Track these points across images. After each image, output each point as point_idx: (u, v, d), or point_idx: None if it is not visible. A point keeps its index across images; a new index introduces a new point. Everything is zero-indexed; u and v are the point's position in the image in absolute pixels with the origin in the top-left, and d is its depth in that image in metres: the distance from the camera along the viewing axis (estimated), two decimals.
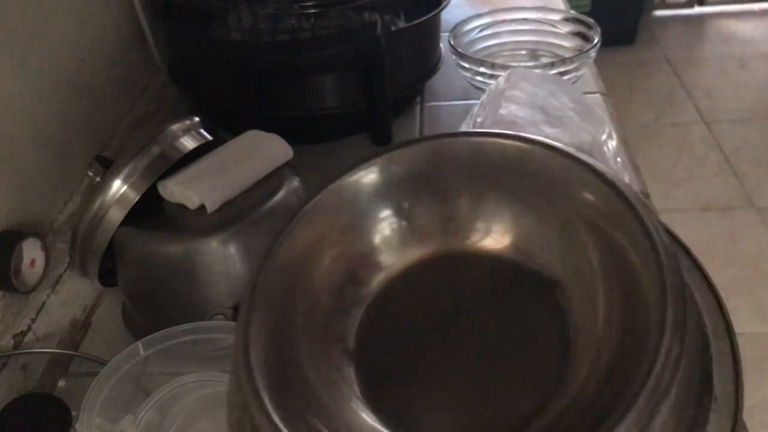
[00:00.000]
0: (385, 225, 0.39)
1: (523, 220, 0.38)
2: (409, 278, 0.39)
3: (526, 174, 0.37)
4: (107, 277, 0.63)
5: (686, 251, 0.37)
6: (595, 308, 0.34)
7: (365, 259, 0.39)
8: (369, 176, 0.39)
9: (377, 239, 0.39)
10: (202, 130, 0.62)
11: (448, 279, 0.39)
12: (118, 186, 0.56)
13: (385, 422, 0.34)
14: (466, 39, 0.95)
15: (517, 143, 0.37)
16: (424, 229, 0.39)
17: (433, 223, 0.39)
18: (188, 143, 0.60)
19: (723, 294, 0.37)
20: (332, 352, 0.37)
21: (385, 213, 0.39)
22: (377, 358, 0.37)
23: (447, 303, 0.38)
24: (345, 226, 0.39)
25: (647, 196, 0.74)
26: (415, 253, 0.39)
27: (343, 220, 0.39)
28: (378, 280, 0.39)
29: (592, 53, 0.86)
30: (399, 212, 0.39)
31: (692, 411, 0.30)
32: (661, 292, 0.29)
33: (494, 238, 0.38)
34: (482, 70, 0.85)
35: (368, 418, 0.35)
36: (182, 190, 0.58)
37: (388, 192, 0.39)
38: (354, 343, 0.38)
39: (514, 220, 0.38)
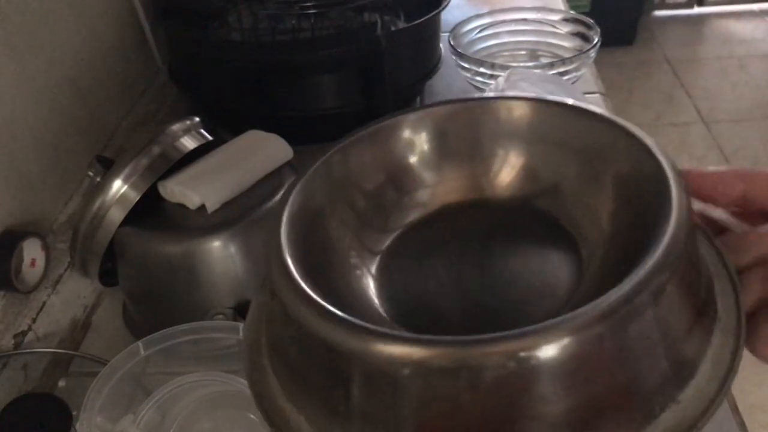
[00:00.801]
0: (422, 147, 0.42)
1: (548, 171, 0.40)
2: (441, 216, 0.41)
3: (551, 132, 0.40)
4: (107, 277, 0.63)
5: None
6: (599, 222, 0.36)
7: (404, 170, 0.41)
8: (412, 116, 0.42)
9: (415, 158, 0.42)
10: (202, 130, 0.62)
11: (474, 220, 0.41)
12: (118, 186, 0.56)
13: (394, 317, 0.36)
14: (466, 39, 0.95)
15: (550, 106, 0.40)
16: (455, 150, 0.42)
17: (466, 155, 0.42)
18: (188, 143, 0.60)
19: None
20: (360, 250, 0.39)
21: (423, 139, 0.42)
22: (401, 270, 0.39)
23: (472, 239, 0.41)
24: (387, 149, 0.41)
25: None
26: (449, 187, 0.42)
27: (385, 144, 0.41)
28: (416, 202, 0.41)
29: (592, 53, 0.86)
30: (437, 140, 0.42)
31: (698, 307, 0.31)
32: (667, 200, 0.31)
33: (518, 183, 0.41)
34: (482, 70, 0.85)
35: (383, 312, 0.36)
36: (182, 190, 0.58)
37: (426, 127, 0.42)
38: (384, 250, 0.40)
39: (539, 170, 0.40)
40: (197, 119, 0.63)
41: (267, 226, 0.58)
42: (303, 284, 0.32)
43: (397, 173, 0.41)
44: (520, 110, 0.40)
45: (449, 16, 0.96)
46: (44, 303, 0.62)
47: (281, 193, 0.59)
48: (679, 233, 0.29)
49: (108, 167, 0.58)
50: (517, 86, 0.71)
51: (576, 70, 0.85)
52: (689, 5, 2.92)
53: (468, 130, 0.41)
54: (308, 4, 0.80)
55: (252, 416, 0.53)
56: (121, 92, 0.84)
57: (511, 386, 0.27)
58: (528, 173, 0.40)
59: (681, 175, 0.33)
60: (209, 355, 0.55)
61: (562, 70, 0.83)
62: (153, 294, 0.61)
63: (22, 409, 0.51)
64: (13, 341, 0.58)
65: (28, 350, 0.59)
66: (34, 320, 0.61)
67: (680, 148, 2.18)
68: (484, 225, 0.41)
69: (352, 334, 0.29)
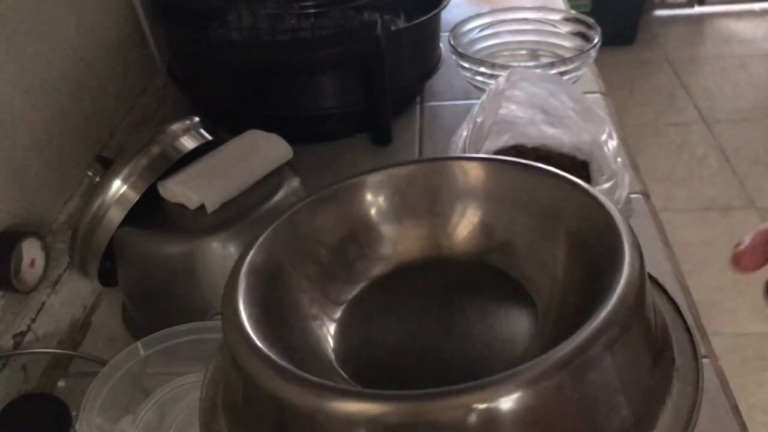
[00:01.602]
0: (382, 203, 0.43)
1: (502, 227, 0.41)
2: (402, 271, 0.42)
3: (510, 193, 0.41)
4: (107, 277, 0.63)
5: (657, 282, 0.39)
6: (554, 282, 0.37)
7: (366, 227, 0.43)
8: (373, 177, 0.43)
9: (376, 213, 0.43)
10: (202, 130, 0.62)
11: (433, 275, 0.42)
12: (117, 186, 0.56)
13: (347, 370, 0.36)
14: (466, 39, 0.95)
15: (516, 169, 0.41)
16: (414, 209, 0.43)
17: (425, 213, 0.43)
18: (188, 143, 0.60)
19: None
20: (323, 303, 0.40)
21: (382, 198, 0.43)
22: (361, 324, 0.40)
23: (432, 294, 0.42)
24: (349, 206, 0.43)
25: (647, 196, 0.74)
26: (409, 243, 0.43)
27: (347, 202, 0.43)
28: (379, 256, 0.42)
29: (593, 53, 0.86)
30: (397, 199, 0.43)
31: (654, 356, 0.31)
32: (620, 249, 0.32)
33: (474, 241, 0.42)
34: (482, 70, 0.85)
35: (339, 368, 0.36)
36: (182, 190, 0.58)
37: (387, 188, 0.43)
38: (346, 302, 0.41)
39: (493, 227, 0.42)
40: (197, 119, 0.63)
41: (267, 226, 0.58)
42: (255, 339, 0.31)
43: (359, 230, 0.42)
44: (475, 171, 0.42)
45: (449, 15, 0.96)
46: (43, 303, 0.62)
47: (280, 193, 0.60)
48: (630, 287, 0.30)
49: (107, 167, 0.58)
50: (517, 86, 0.71)
51: (576, 69, 0.85)
52: (690, 5, 2.92)
53: (426, 190, 0.43)
54: (308, 3, 0.80)
55: None
56: (120, 92, 0.84)
57: None
58: (483, 230, 0.42)
59: (632, 230, 0.33)
60: (209, 355, 0.55)
61: (562, 69, 0.83)
62: (152, 294, 0.61)
63: (21, 409, 0.51)
64: (12, 341, 0.58)
65: (27, 350, 0.59)
66: (33, 320, 0.61)
67: (681, 148, 2.18)
68: (443, 280, 0.42)
69: (306, 390, 0.28)
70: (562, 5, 1.14)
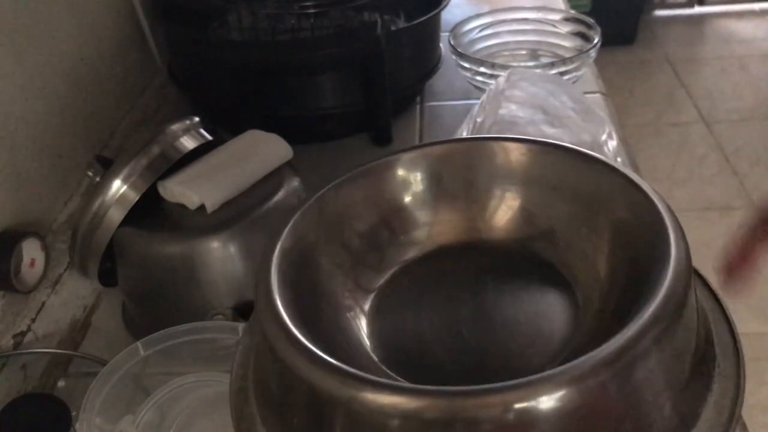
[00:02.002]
0: (415, 184, 0.41)
1: (541, 212, 0.40)
2: (436, 256, 0.41)
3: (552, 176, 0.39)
4: (107, 277, 0.63)
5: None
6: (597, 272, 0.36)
7: (398, 210, 0.41)
8: (406, 155, 0.41)
9: (409, 195, 0.41)
10: (202, 130, 0.62)
11: (469, 261, 0.41)
12: (118, 186, 0.56)
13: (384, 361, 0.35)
14: (466, 39, 0.95)
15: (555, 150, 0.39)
16: (449, 191, 0.41)
17: (461, 196, 0.41)
18: (188, 143, 0.60)
19: (723, 294, 0.37)
20: (354, 290, 0.39)
21: (415, 178, 0.41)
22: (394, 311, 0.38)
23: (467, 280, 0.40)
24: (379, 188, 0.41)
25: None
26: (444, 227, 0.41)
27: (378, 183, 0.41)
28: (412, 241, 0.41)
29: (592, 53, 0.86)
30: (432, 180, 0.41)
31: (698, 353, 0.31)
32: (666, 246, 0.31)
33: (512, 225, 0.41)
34: (482, 70, 0.85)
35: (374, 356, 0.35)
36: (182, 190, 0.58)
37: (421, 167, 0.41)
38: (378, 289, 0.39)
39: (533, 211, 0.40)
40: (197, 119, 0.63)
41: (267, 226, 0.58)
42: (292, 327, 0.31)
43: (391, 213, 0.41)
44: (515, 152, 0.40)
45: (449, 15, 0.96)
46: (44, 303, 0.62)
47: (280, 193, 0.60)
48: (678, 281, 0.29)
49: (107, 167, 0.58)
50: (517, 86, 0.71)
51: (576, 69, 0.85)
52: (690, 5, 2.92)
53: (463, 171, 0.41)
54: (308, 3, 0.80)
55: None
56: (120, 92, 0.84)
57: None
58: (523, 216, 0.40)
59: (678, 221, 0.32)
60: (209, 355, 0.55)
61: (562, 69, 0.83)
62: (152, 294, 0.61)
63: (21, 409, 0.51)
64: (12, 341, 0.58)
65: (27, 350, 0.59)
66: (33, 320, 0.61)
67: (680, 148, 2.18)
68: (479, 267, 0.40)
69: (341, 380, 0.28)
70: (562, 5, 1.14)
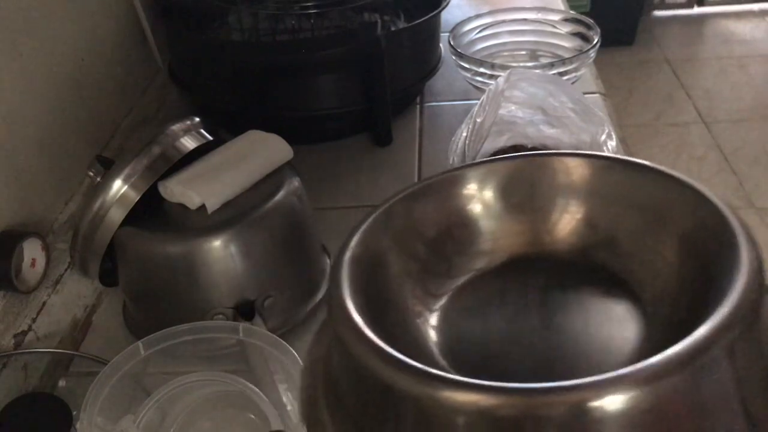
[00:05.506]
0: (482, 198, 0.42)
1: (607, 225, 0.40)
2: (502, 268, 0.42)
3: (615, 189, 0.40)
4: (108, 276, 0.63)
5: None
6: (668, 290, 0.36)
7: (466, 222, 0.42)
8: (472, 171, 0.42)
9: (475, 208, 0.42)
10: (202, 130, 0.62)
11: (534, 272, 0.41)
12: (118, 186, 0.56)
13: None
14: (466, 39, 0.95)
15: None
16: (514, 204, 0.42)
17: (526, 210, 0.42)
18: (189, 143, 0.60)
19: None
20: (423, 297, 0.39)
21: (486, 193, 0.42)
22: (462, 319, 0.39)
23: (533, 291, 0.41)
24: (446, 201, 0.42)
25: None
26: (510, 240, 0.42)
27: (445, 196, 0.42)
28: (479, 251, 0.42)
29: (592, 53, 0.86)
30: (497, 194, 0.42)
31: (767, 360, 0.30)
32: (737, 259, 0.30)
33: (576, 239, 0.41)
34: (482, 70, 0.86)
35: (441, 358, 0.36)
36: (183, 190, 0.58)
37: (487, 182, 0.42)
38: (446, 297, 0.40)
39: (597, 224, 0.41)
40: (197, 119, 0.63)
41: (267, 226, 0.58)
42: (366, 329, 0.31)
43: (457, 225, 0.42)
44: (578, 168, 0.41)
45: (449, 16, 0.96)
46: (44, 303, 0.62)
47: (281, 193, 0.60)
48: (751, 288, 0.29)
49: (108, 167, 0.58)
50: (517, 86, 0.71)
51: (576, 70, 0.85)
52: (689, 5, 2.92)
53: (527, 186, 0.42)
54: (308, 4, 0.80)
55: (252, 416, 0.53)
56: (121, 92, 0.84)
57: None
58: (586, 227, 0.41)
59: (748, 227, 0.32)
60: (209, 355, 0.55)
61: (562, 70, 0.83)
62: (153, 294, 0.61)
63: (22, 409, 0.52)
64: (13, 341, 0.58)
65: (28, 350, 0.59)
66: (34, 320, 0.61)
67: (680, 148, 2.18)
68: (544, 277, 0.41)
69: (417, 378, 0.28)
70: (561, 6, 1.14)
